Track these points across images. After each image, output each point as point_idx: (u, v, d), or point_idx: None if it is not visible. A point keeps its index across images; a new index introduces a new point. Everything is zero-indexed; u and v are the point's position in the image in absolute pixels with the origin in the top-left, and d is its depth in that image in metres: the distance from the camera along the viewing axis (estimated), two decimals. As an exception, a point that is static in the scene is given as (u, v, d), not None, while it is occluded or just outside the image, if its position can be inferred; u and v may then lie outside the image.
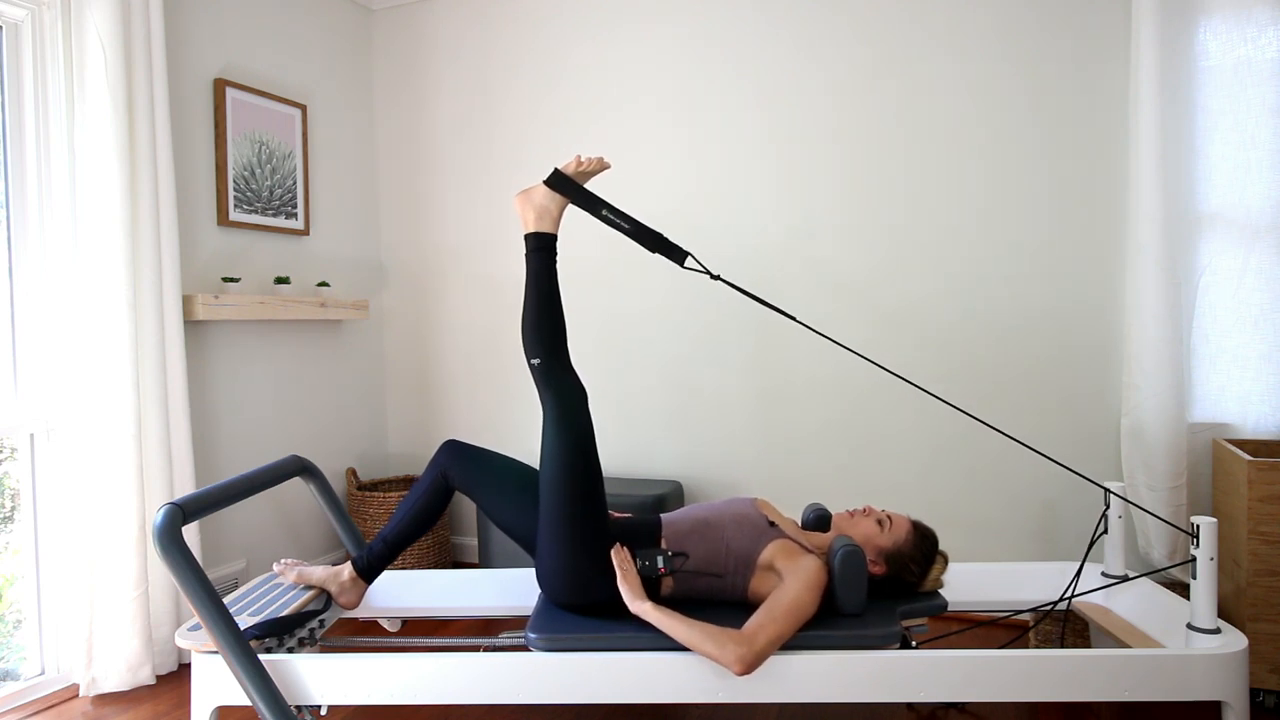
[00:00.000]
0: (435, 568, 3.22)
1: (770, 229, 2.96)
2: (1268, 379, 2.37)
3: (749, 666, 1.62)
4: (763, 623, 1.66)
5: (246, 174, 2.89)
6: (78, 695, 2.32)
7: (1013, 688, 1.67)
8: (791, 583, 1.74)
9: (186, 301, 2.59)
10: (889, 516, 1.95)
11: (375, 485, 3.40)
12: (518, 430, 3.42)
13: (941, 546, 1.99)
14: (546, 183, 1.91)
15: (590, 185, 2.35)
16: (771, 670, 1.67)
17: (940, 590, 1.98)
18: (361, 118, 3.52)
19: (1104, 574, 2.18)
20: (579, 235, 2.96)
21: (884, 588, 1.93)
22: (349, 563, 2.03)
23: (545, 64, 3.28)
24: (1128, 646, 1.87)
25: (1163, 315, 2.39)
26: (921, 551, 1.92)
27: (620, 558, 1.82)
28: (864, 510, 1.97)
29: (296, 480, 2.49)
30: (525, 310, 1.88)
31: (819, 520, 2.06)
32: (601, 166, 1.94)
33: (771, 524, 1.91)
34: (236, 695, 1.71)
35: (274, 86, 3.04)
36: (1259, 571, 2.05)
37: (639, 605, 1.73)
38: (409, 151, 3.55)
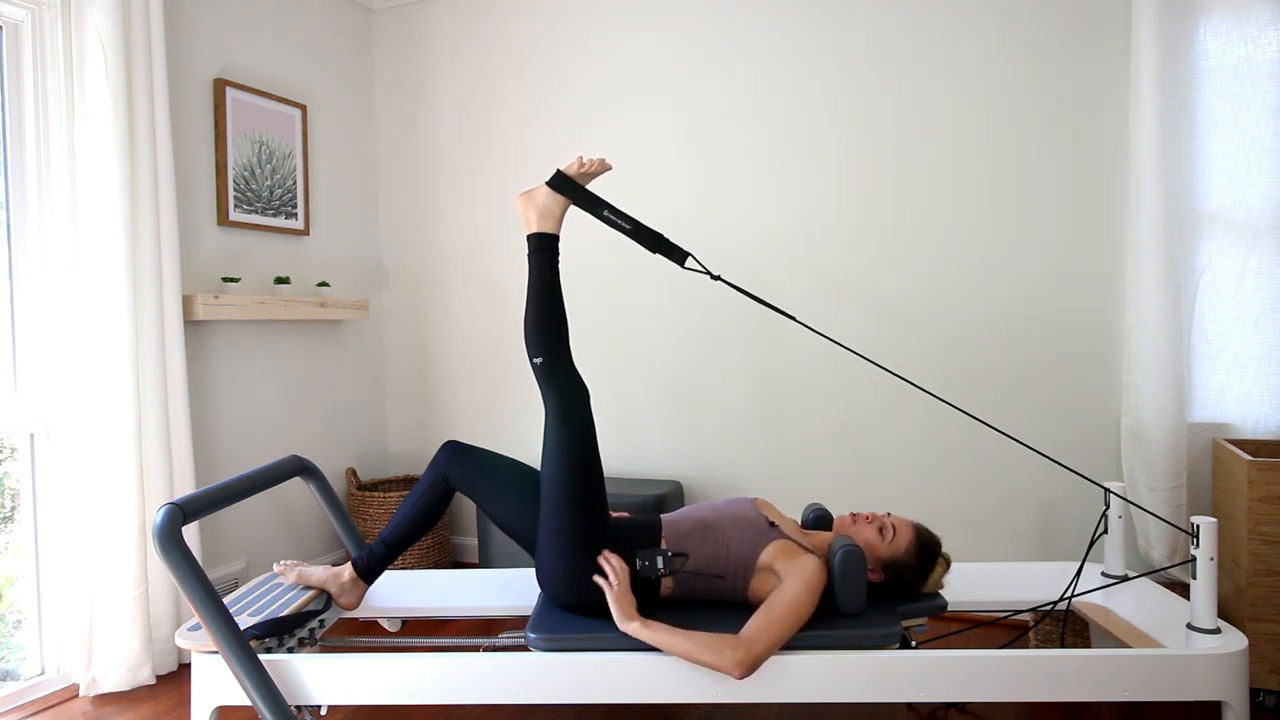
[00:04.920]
0: (435, 568, 3.22)
1: (771, 230, 2.96)
2: (1268, 379, 2.37)
3: (747, 670, 1.62)
4: (760, 625, 1.66)
5: (246, 174, 2.89)
6: (78, 695, 2.32)
7: (1013, 688, 1.67)
8: (789, 584, 1.74)
9: (186, 301, 2.59)
10: (893, 524, 1.92)
11: (375, 485, 3.40)
12: (518, 430, 3.42)
13: (943, 548, 1.99)
14: (549, 184, 1.92)
15: (591, 186, 2.36)
16: (771, 671, 1.67)
17: (940, 590, 1.97)
18: (361, 118, 3.52)
19: (1104, 574, 2.18)
20: (581, 236, 2.96)
21: (884, 588, 1.93)
22: (349, 564, 2.03)
23: (545, 64, 3.28)
24: (1128, 646, 1.88)
25: (1163, 315, 2.39)
26: (920, 561, 1.90)
27: (611, 572, 1.78)
28: (867, 516, 1.94)
29: (296, 480, 2.50)
30: (528, 310, 1.88)
31: (819, 520, 2.05)
32: (603, 168, 1.95)
33: (772, 524, 1.91)
34: (236, 695, 1.71)
35: (274, 86, 3.04)
36: (1259, 571, 2.05)
37: (629, 625, 1.70)
38: (409, 151, 3.55)
